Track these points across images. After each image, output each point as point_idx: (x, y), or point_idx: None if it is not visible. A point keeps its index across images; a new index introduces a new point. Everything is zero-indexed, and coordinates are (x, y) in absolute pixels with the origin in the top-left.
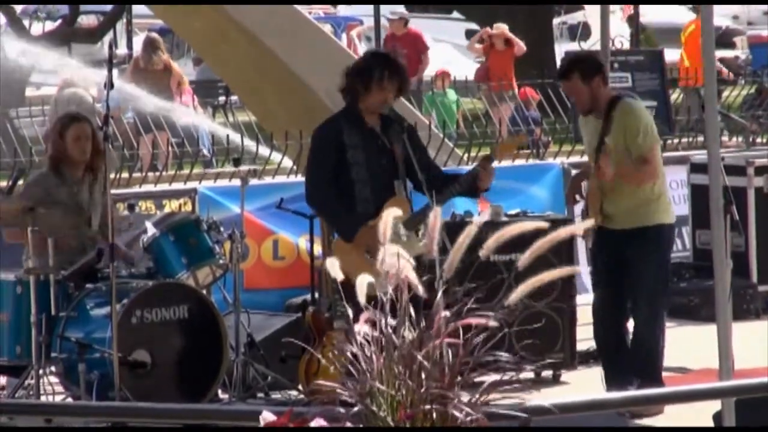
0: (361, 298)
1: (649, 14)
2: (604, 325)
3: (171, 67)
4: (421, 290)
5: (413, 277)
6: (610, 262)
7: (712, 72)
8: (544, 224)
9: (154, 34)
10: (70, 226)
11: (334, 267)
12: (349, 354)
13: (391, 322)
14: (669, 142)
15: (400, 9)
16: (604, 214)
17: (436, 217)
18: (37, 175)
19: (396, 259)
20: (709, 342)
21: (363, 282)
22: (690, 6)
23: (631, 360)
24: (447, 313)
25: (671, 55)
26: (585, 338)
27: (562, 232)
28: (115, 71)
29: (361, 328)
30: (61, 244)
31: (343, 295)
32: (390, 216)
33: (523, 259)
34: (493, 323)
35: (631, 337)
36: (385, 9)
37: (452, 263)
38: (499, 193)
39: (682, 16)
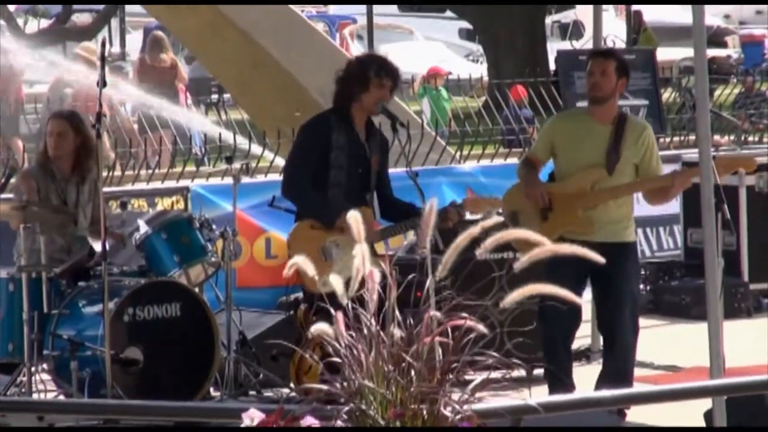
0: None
1: (648, 13)
2: (562, 336)
3: (177, 65)
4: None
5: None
6: (580, 275)
7: (703, 71)
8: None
9: (160, 33)
10: (57, 224)
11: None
12: (337, 353)
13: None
14: (661, 140)
15: (393, 8)
16: (582, 222)
17: (431, 213)
18: (26, 171)
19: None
20: (700, 340)
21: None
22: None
23: (618, 367)
24: (436, 312)
25: (669, 53)
26: (577, 336)
27: (565, 249)
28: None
29: (342, 328)
30: (48, 242)
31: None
32: (357, 217)
33: (521, 262)
34: (482, 327)
35: (617, 347)
36: (378, 7)
37: (446, 263)
38: (490, 191)
39: (681, 15)
